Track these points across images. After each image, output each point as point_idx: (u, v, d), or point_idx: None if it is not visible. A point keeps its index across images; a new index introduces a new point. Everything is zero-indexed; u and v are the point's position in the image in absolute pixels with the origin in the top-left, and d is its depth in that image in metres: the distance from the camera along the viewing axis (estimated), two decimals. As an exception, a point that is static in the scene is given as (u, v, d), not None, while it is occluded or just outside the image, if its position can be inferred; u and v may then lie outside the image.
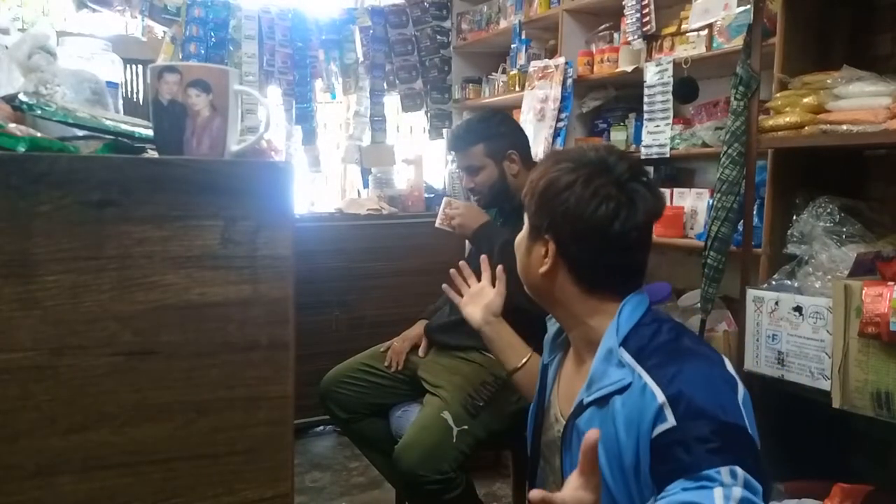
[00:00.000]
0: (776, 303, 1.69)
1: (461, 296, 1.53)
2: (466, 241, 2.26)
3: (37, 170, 0.82)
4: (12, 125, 0.91)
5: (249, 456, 0.94)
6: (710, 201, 2.04)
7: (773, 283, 1.77)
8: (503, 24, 3.38)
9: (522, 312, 1.44)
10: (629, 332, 1.05)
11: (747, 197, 1.88)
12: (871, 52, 1.91)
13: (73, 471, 0.85)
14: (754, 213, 1.91)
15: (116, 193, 0.85)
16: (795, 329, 1.65)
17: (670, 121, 2.44)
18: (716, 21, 2.29)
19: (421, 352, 2.07)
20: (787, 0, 1.83)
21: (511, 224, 1.90)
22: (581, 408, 1.06)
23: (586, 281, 1.10)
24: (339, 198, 3.92)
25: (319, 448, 3.11)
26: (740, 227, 1.93)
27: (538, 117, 2.93)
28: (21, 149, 0.85)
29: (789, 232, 1.78)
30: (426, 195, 3.57)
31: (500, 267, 1.48)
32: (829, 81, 1.67)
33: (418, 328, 2.12)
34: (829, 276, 1.63)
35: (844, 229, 1.69)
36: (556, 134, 2.87)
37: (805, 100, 1.71)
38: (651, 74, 2.47)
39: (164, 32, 3.21)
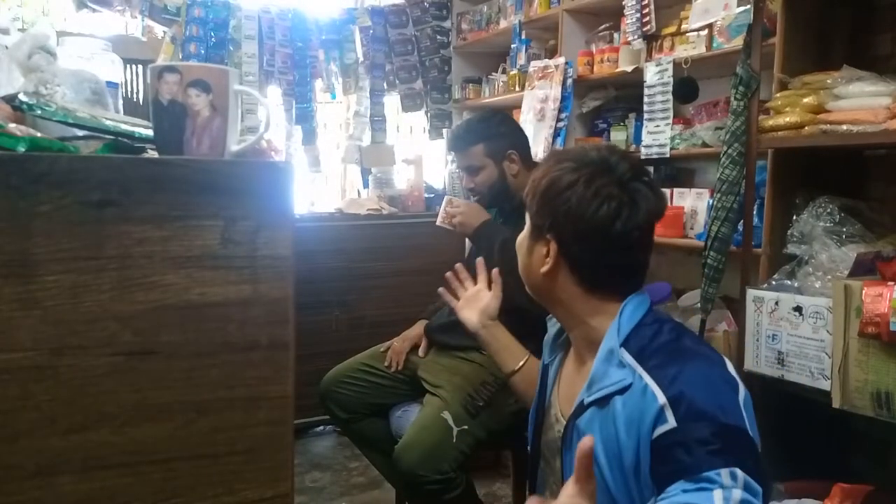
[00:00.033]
0: (776, 303, 1.69)
1: (457, 299, 1.53)
2: (467, 242, 2.26)
3: (37, 170, 0.82)
4: (12, 125, 0.91)
5: (249, 456, 0.94)
6: (710, 201, 2.04)
7: (773, 283, 1.77)
8: (503, 24, 3.38)
9: (522, 312, 1.44)
10: (630, 332, 1.05)
11: (747, 197, 1.88)
12: (871, 52, 1.91)
13: (73, 471, 0.85)
14: (754, 213, 1.91)
15: (116, 193, 0.85)
16: (795, 329, 1.65)
17: (670, 121, 2.44)
18: (716, 21, 2.29)
19: (421, 352, 2.07)
20: (787, 0, 1.83)
21: (511, 224, 1.90)
22: (582, 408, 1.06)
23: (588, 281, 1.10)
24: (339, 198, 3.92)
25: (319, 448, 3.11)
26: (740, 227, 1.93)
27: (538, 117, 2.93)
28: (21, 149, 0.85)
29: (789, 232, 1.78)
30: (426, 195, 3.57)
31: (495, 270, 1.48)
32: (829, 81, 1.67)
33: (418, 328, 2.12)
34: (829, 276, 1.63)
35: (844, 229, 1.69)
36: (556, 134, 2.87)
37: (805, 100, 1.71)
38: (651, 74, 2.47)
39: (164, 32, 3.21)
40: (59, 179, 0.83)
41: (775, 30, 1.88)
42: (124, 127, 1.08)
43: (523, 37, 3.22)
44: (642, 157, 2.50)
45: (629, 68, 2.61)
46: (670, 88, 2.40)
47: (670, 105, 2.43)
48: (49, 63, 1.17)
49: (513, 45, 3.27)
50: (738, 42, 2.09)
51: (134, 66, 3.15)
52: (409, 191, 3.58)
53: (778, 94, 1.81)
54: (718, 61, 2.31)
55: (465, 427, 1.77)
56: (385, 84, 3.60)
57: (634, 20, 2.55)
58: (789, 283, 1.73)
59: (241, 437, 0.93)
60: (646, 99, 2.51)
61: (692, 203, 2.45)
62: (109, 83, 1.40)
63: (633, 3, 2.55)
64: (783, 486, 1.66)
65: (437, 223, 2.04)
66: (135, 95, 3.17)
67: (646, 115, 2.51)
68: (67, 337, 0.84)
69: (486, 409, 1.80)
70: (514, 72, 3.24)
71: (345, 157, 3.68)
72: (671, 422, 0.93)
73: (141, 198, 0.86)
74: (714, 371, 0.99)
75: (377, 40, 3.54)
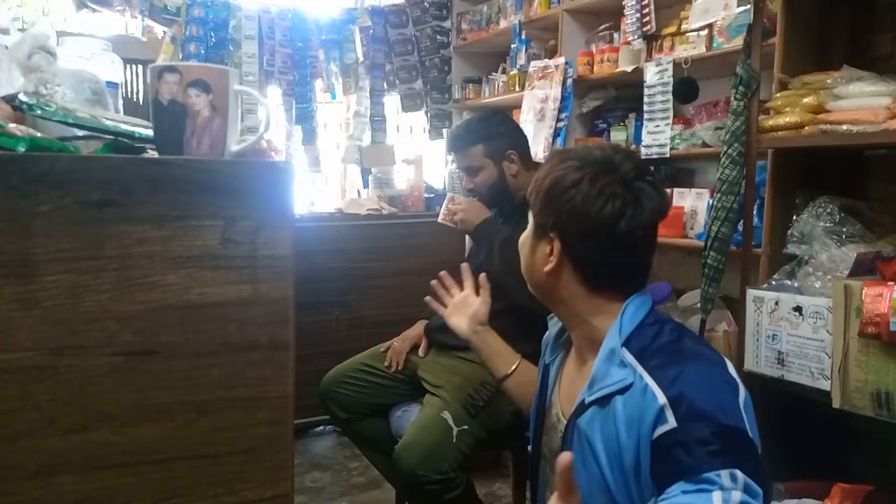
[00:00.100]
0: (776, 303, 1.69)
1: (445, 306, 1.53)
2: (467, 240, 2.26)
3: (37, 170, 0.82)
4: (12, 125, 0.91)
5: (249, 456, 0.94)
6: (710, 201, 2.04)
7: (773, 283, 1.77)
8: (503, 24, 3.38)
9: (522, 311, 1.44)
10: (632, 332, 1.05)
11: (747, 197, 1.88)
12: (871, 52, 1.91)
13: (73, 471, 0.85)
14: (754, 213, 1.91)
15: (116, 193, 0.85)
16: (795, 329, 1.65)
17: (670, 121, 2.44)
18: (716, 21, 2.29)
19: (421, 352, 2.07)
20: (787, 0, 1.83)
21: (511, 224, 1.90)
22: (583, 407, 1.06)
23: (591, 280, 1.10)
24: (339, 198, 3.92)
25: (319, 448, 3.11)
26: (740, 227, 1.93)
27: (538, 117, 2.93)
28: (21, 149, 0.85)
29: (789, 232, 1.78)
30: (426, 195, 3.57)
31: (483, 275, 1.48)
32: (829, 81, 1.67)
33: (418, 328, 2.12)
34: (829, 276, 1.63)
35: (844, 229, 1.69)
36: (556, 134, 2.87)
37: (805, 100, 1.71)
38: (651, 74, 2.47)
39: (164, 32, 3.21)
40: (59, 179, 0.83)
41: (775, 30, 1.88)
42: (124, 127, 1.08)
43: (523, 37, 3.22)
44: (642, 157, 2.50)
45: (629, 68, 2.61)
46: (670, 88, 2.40)
47: (670, 105, 2.43)
48: (49, 63, 1.17)
49: (513, 45, 3.27)
50: (738, 42, 2.09)
51: (134, 66, 3.15)
52: (409, 191, 3.58)
53: (778, 94, 1.81)
54: (718, 61, 2.31)
55: (465, 427, 1.77)
56: (385, 84, 3.60)
57: (634, 20, 2.55)
58: (789, 283, 1.73)
59: (241, 437, 0.93)
60: (646, 99, 2.51)
61: (692, 203, 2.45)
62: (109, 83, 1.40)
63: (633, 3, 2.55)
64: (783, 486, 1.66)
65: (439, 220, 2.04)
66: (135, 95, 3.17)
67: (646, 115, 2.51)
68: (67, 337, 0.84)
69: (486, 409, 1.80)
70: (514, 72, 3.24)
71: (345, 157, 3.68)
72: (671, 422, 0.93)
73: (141, 198, 0.86)
74: (714, 372, 0.99)
75: (377, 40, 3.54)
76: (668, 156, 2.45)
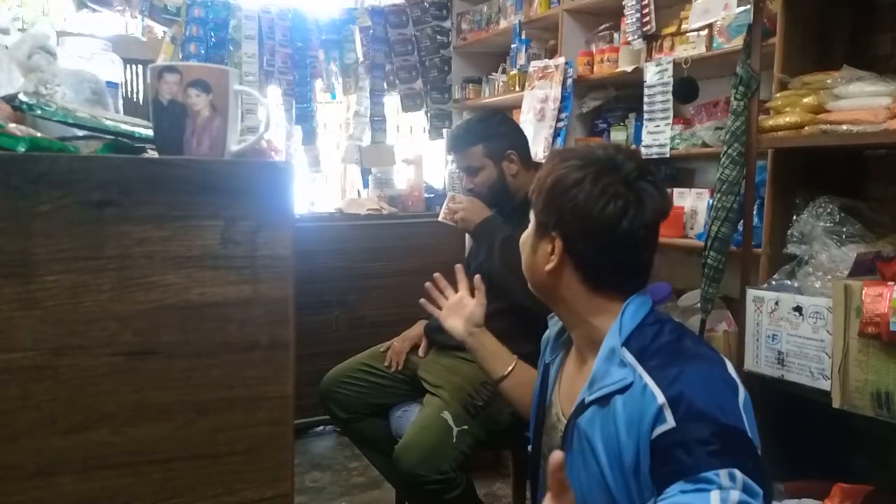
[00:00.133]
0: (776, 303, 1.69)
1: (440, 308, 1.52)
2: (467, 240, 2.26)
3: (37, 170, 0.82)
4: (12, 125, 0.91)
5: (249, 456, 0.94)
6: (710, 201, 2.04)
7: (773, 283, 1.77)
8: (503, 24, 3.38)
9: (522, 311, 1.44)
10: (632, 332, 1.05)
11: (747, 197, 1.88)
12: (871, 52, 1.91)
13: (73, 471, 0.85)
14: (754, 213, 1.91)
15: (116, 193, 0.85)
16: (795, 329, 1.65)
17: (670, 121, 2.44)
18: (716, 21, 2.29)
19: (421, 352, 2.07)
20: (787, 0, 1.83)
21: (511, 224, 1.90)
22: (583, 407, 1.06)
23: (592, 279, 1.10)
24: (339, 198, 3.92)
25: (319, 448, 3.11)
26: (740, 227, 1.93)
27: (538, 117, 2.93)
28: (21, 149, 0.85)
29: (789, 232, 1.78)
30: (426, 195, 3.57)
31: (478, 277, 1.48)
32: (829, 81, 1.67)
33: (418, 328, 2.12)
34: (829, 276, 1.63)
35: (844, 229, 1.69)
36: (556, 134, 2.87)
37: (805, 100, 1.71)
38: (651, 74, 2.47)
39: (164, 32, 3.21)
40: (59, 179, 0.82)
41: (775, 30, 1.88)
42: (124, 127, 1.08)
43: (523, 37, 3.22)
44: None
45: (629, 68, 2.61)
46: (670, 88, 2.40)
47: (670, 105, 2.43)
48: (49, 63, 1.17)
49: (513, 45, 3.27)
50: (738, 42, 2.09)
51: (134, 66, 3.15)
52: (409, 191, 3.58)
53: (778, 94, 1.81)
54: (718, 61, 2.31)
55: (465, 427, 1.77)
56: (385, 84, 3.60)
57: (634, 20, 2.55)
58: (789, 283, 1.73)
59: (241, 437, 0.93)
60: (646, 99, 2.51)
61: (692, 203, 2.45)
62: (109, 83, 1.40)
63: (633, 3, 2.55)
64: (783, 486, 1.66)
65: (440, 219, 2.04)
66: (135, 95, 3.17)
67: (646, 115, 2.51)
68: (67, 337, 0.84)
69: (486, 409, 1.80)
70: (514, 72, 3.24)
71: (345, 157, 3.68)
72: (670, 422, 0.93)
73: (141, 198, 0.86)
74: (714, 372, 0.99)
75: (377, 40, 3.54)
76: (668, 156, 2.45)
